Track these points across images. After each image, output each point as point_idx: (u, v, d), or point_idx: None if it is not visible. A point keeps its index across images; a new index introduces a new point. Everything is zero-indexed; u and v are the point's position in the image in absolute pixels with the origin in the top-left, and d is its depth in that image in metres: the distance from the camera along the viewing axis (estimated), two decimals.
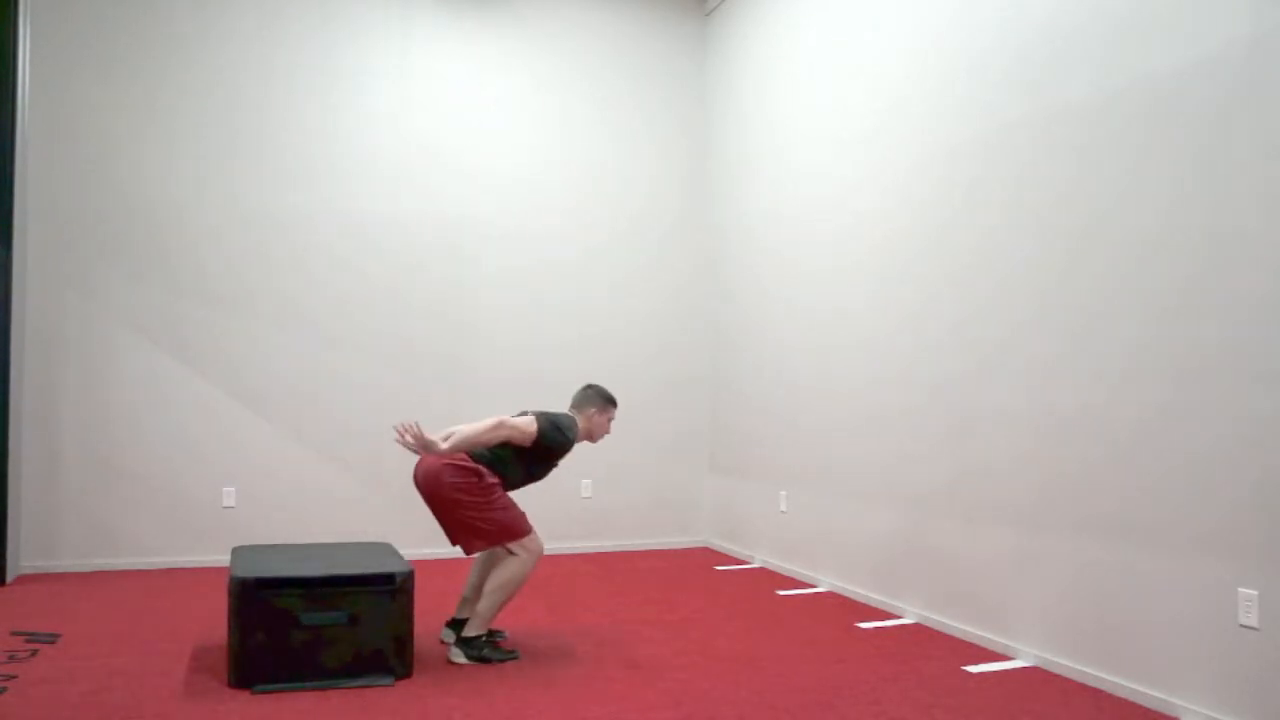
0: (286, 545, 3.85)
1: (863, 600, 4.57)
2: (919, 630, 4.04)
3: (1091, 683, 3.27)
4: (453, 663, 3.47)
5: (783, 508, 5.35)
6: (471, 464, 3.47)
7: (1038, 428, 3.53)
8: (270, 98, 5.53)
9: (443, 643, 3.78)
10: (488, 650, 3.50)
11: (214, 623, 4.03)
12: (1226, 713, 2.82)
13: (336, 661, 3.20)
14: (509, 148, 6.01)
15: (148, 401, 5.30)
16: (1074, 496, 3.37)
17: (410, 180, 5.79)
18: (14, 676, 3.25)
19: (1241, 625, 2.78)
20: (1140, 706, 3.06)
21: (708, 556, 5.87)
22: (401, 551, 5.63)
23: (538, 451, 3.59)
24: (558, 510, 6.00)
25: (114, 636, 3.79)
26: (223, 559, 5.36)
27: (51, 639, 3.74)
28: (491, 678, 3.30)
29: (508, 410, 5.90)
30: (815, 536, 5.03)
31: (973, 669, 3.47)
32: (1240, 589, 2.78)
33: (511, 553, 3.51)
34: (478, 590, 3.79)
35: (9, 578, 4.79)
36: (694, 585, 4.96)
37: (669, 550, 6.09)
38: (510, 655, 3.53)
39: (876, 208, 4.55)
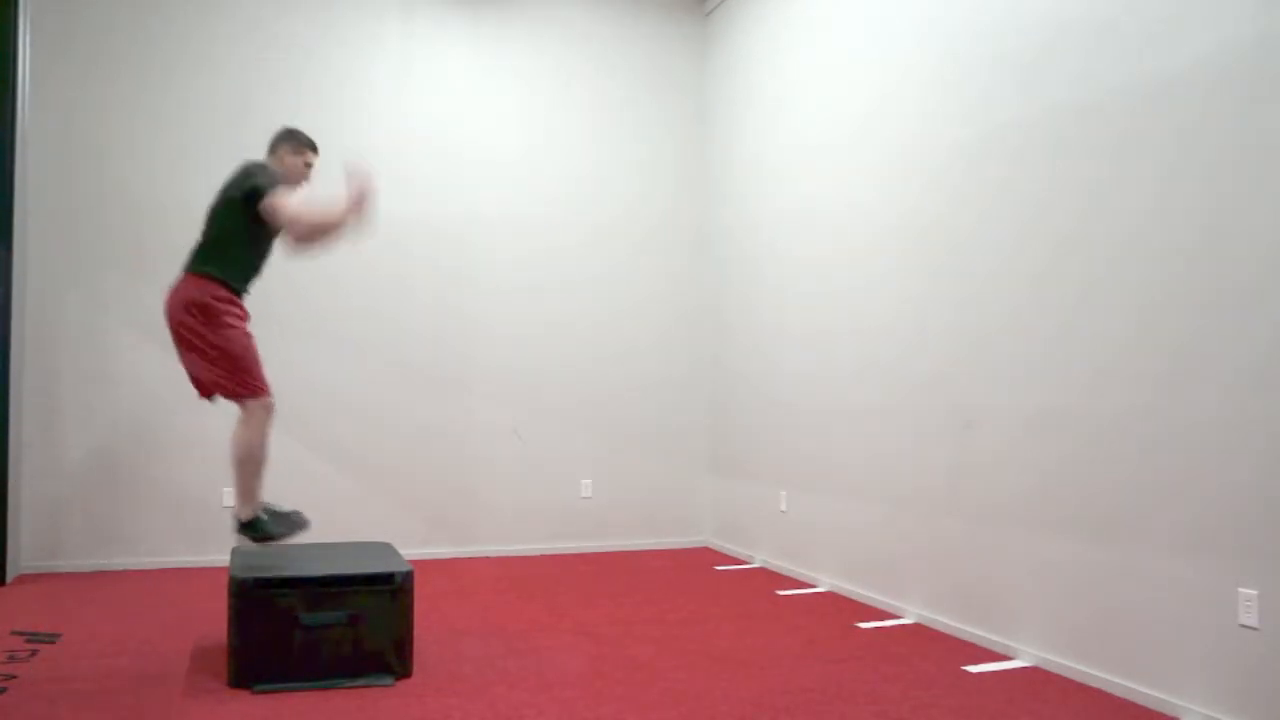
0: (286, 545, 3.85)
1: (863, 600, 4.57)
2: (919, 630, 4.04)
3: (1091, 683, 3.27)
4: None
5: (783, 507, 5.35)
6: None
7: (1038, 426, 3.53)
8: (271, 97, 5.53)
9: None
10: None
11: (214, 623, 4.03)
12: (1226, 713, 2.82)
13: (336, 661, 3.20)
14: (508, 146, 6.00)
15: (148, 401, 5.30)
16: (1074, 495, 3.37)
17: (409, 179, 5.78)
18: (14, 676, 3.25)
19: (1241, 625, 2.78)
20: (1140, 706, 3.06)
21: (708, 556, 5.87)
22: (401, 551, 5.63)
23: None
24: (558, 510, 6.00)
25: (114, 636, 3.79)
26: (223, 559, 5.35)
27: (51, 639, 3.74)
28: (492, 678, 3.30)
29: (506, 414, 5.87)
30: (815, 536, 5.03)
31: (973, 669, 3.47)
32: (1240, 589, 2.78)
33: None
34: None
35: (9, 578, 4.79)
36: (694, 585, 4.96)
37: (669, 550, 6.09)
38: None
39: (875, 204, 4.55)
